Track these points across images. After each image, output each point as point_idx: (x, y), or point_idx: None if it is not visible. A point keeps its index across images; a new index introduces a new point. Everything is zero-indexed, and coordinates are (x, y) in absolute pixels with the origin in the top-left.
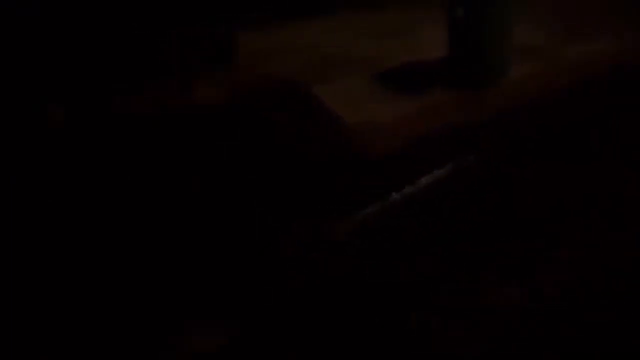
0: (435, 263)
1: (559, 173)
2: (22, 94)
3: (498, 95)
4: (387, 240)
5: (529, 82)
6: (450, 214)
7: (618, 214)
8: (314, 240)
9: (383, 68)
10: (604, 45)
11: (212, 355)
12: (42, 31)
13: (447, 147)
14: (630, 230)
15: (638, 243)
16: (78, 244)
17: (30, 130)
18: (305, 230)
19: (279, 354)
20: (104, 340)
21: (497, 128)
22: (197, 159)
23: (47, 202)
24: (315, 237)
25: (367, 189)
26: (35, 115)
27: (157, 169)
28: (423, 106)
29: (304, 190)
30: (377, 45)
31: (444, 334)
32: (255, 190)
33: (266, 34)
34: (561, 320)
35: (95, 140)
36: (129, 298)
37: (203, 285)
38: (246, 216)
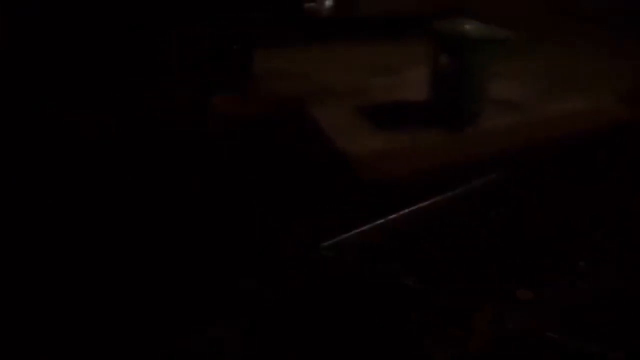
0: (436, 265)
1: (566, 193)
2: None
3: (472, 140)
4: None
5: (502, 131)
6: (459, 231)
7: (623, 234)
8: (314, 240)
9: (368, 102)
10: (577, 105)
11: (212, 354)
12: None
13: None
14: (636, 250)
15: None
16: (83, 245)
17: (63, 137)
18: (305, 230)
19: (279, 354)
20: (104, 341)
21: (469, 170)
22: (198, 159)
23: (52, 201)
24: (315, 237)
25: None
26: (67, 124)
27: (159, 171)
28: (402, 143)
29: (304, 190)
30: (363, 80)
31: (444, 334)
32: (255, 190)
33: (266, 58)
34: (560, 322)
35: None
36: (128, 298)
37: (202, 284)
38: (246, 216)
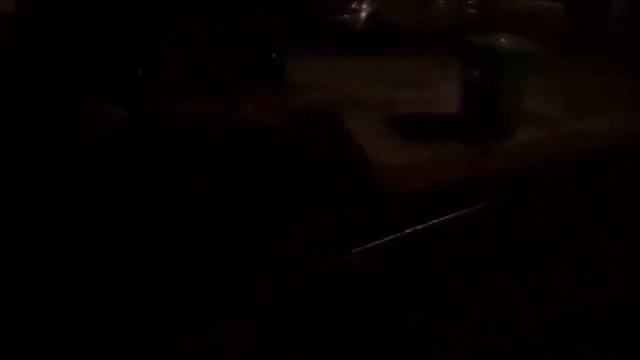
0: (436, 265)
1: (567, 193)
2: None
3: (501, 154)
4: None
5: (532, 146)
6: (459, 231)
7: (623, 234)
8: (314, 240)
9: (397, 115)
10: (603, 122)
11: (212, 354)
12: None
13: (455, 194)
14: (636, 250)
15: None
16: (83, 245)
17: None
18: (305, 230)
19: (279, 353)
20: (104, 341)
21: (497, 183)
22: (198, 159)
23: (52, 201)
24: (315, 237)
25: (384, 220)
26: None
27: (159, 171)
28: (430, 155)
29: (304, 190)
30: (393, 92)
31: (444, 334)
32: (255, 190)
33: (293, 68)
34: (559, 323)
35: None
36: (129, 298)
37: (202, 284)
38: (246, 216)
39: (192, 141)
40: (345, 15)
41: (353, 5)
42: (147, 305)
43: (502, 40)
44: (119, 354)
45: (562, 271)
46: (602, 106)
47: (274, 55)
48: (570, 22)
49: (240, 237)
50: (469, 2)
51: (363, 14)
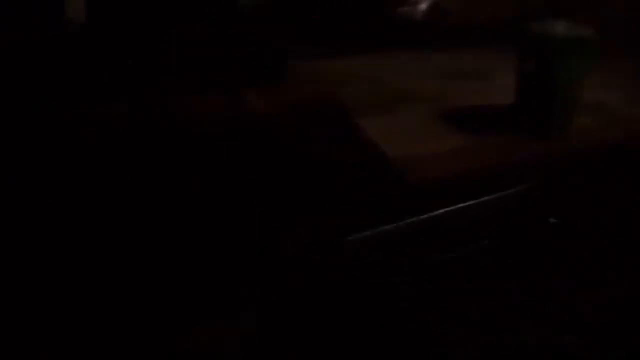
0: (436, 266)
1: (566, 193)
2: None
3: (552, 146)
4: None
5: (587, 136)
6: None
7: (624, 235)
8: (314, 240)
9: (447, 107)
10: None
11: (212, 354)
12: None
13: (488, 183)
14: (636, 250)
15: None
16: (83, 245)
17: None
18: (305, 230)
19: (279, 353)
20: (103, 341)
21: (540, 173)
22: (197, 159)
23: (51, 201)
24: (315, 237)
25: (393, 209)
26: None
27: (159, 171)
28: (475, 145)
29: (304, 190)
30: (447, 85)
31: (444, 334)
32: (255, 190)
33: (346, 62)
34: (559, 323)
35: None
36: (129, 298)
37: (202, 285)
38: (246, 216)
39: (192, 140)
40: (405, 8)
41: None
42: (147, 305)
43: (559, 26)
44: (118, 354)
45: (562, 271)
46: None
47: (267, 49)
48: None
49: (240, 237)
50: None
51: (424, 5)
